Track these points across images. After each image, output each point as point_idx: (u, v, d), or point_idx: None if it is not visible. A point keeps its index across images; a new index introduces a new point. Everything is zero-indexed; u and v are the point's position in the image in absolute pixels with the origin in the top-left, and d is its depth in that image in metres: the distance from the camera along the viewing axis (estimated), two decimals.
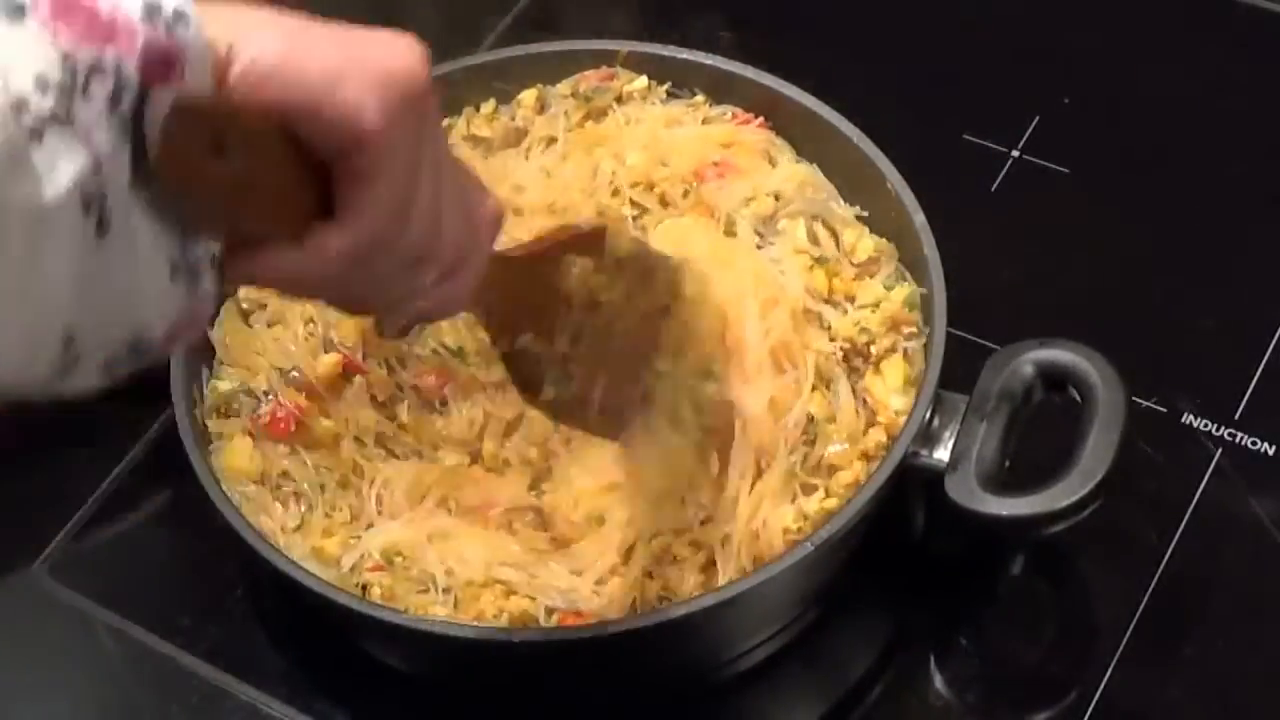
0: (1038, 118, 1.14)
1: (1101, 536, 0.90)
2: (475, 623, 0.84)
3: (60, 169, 0.51)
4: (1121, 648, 0.90)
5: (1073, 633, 0.93)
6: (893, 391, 0.90)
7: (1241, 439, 0.98)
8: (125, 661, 0.94)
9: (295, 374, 0.93)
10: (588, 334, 0.81)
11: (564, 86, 1.04)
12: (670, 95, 1.04)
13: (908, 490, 0.88)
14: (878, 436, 0.89)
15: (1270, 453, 0.98)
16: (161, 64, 0.53)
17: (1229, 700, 0.89)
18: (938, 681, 0.90)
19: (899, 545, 0.92)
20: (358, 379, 0.93)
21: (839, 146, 0.99)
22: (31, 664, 0.94)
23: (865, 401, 0.91)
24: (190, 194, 0.56)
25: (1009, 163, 1.12)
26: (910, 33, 1.21)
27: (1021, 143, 1.13)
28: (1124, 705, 0.88)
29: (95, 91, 0.52)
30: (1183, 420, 0.99)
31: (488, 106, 1.04)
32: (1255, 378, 1.01)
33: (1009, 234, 1.09)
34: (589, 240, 0.82)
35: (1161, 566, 0.93)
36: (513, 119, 1.04)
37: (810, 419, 0.89)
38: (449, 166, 0.65)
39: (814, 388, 0.90)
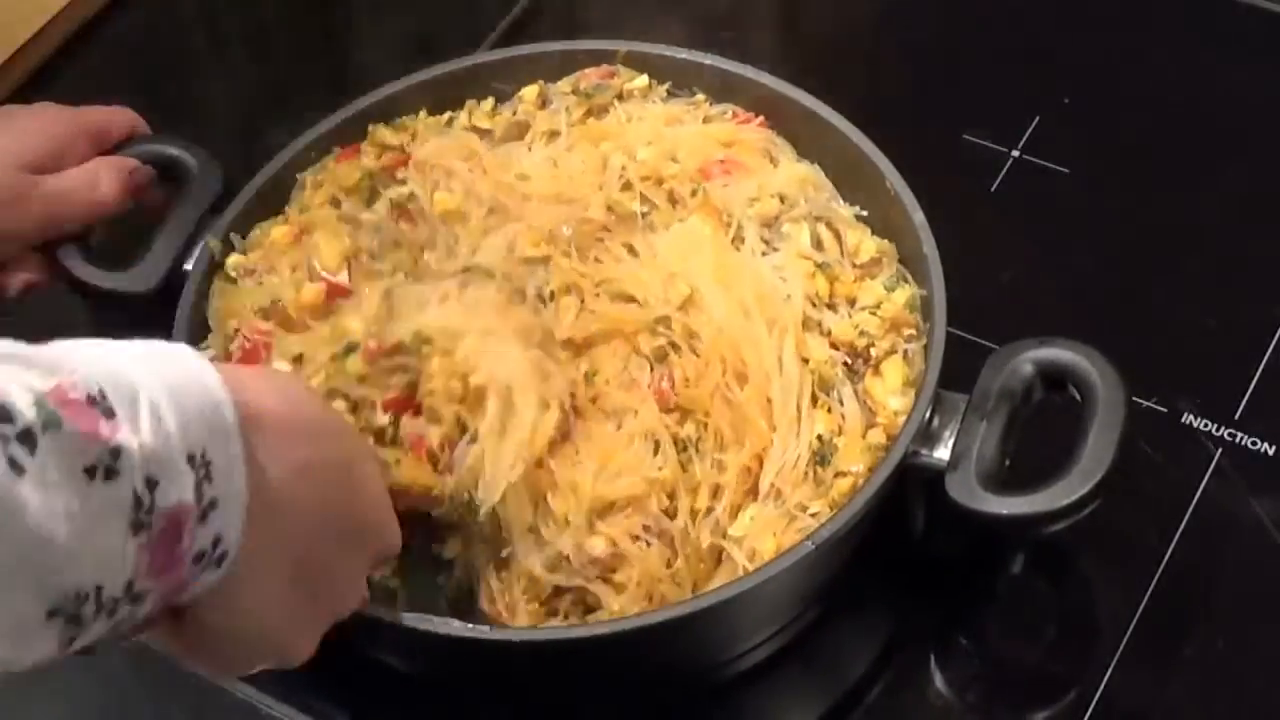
0: (1038, 118, 1.15)
1: (1101, 536, 0.90)
2: (474, 623, 0.84)
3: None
4: (1121, 647, 0.90)
5: (1073, 632, 0.93)
6: (891, 393, 0.90)
7: (1241, 439, 0.98)
8: (125, 661, 0.93)
9: (273, 306, 0.92)
10: None
11: (565, 84, 1.04)
12: (670, 95, 1.04)
13: (908, 489, 0.88)
14: (877, 437, 0.89)
15: (1270, 453, 0.98)
16: (172, 596, 0.62)
17: (1229, 700, 0.89)
18: (938, 681, 0.90)
19: (899, 544, 0.92)
20: (341, 302, 0.92)
21: (839, 146, 0.99)
22: None
23: (865, 403, 0.91)
24: None
25: (1009, 163, 1.12)
26: (910, 33, 1.21)
27: (1021, 143, 1.13)
28: (1124, 705, 0.88)
29: (120, 615, 0.59)
30: (1183, 420, 0.99)
31: (487, 105, 1.05)
32: (1255, 378, 1.01)
33: (1009, 234, 1.09)
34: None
35: (1161, 566, 0.93)
36: (514, 114, 1.04)
37: (820, 439, 0.89)
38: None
39: (820, 404, 0.90)
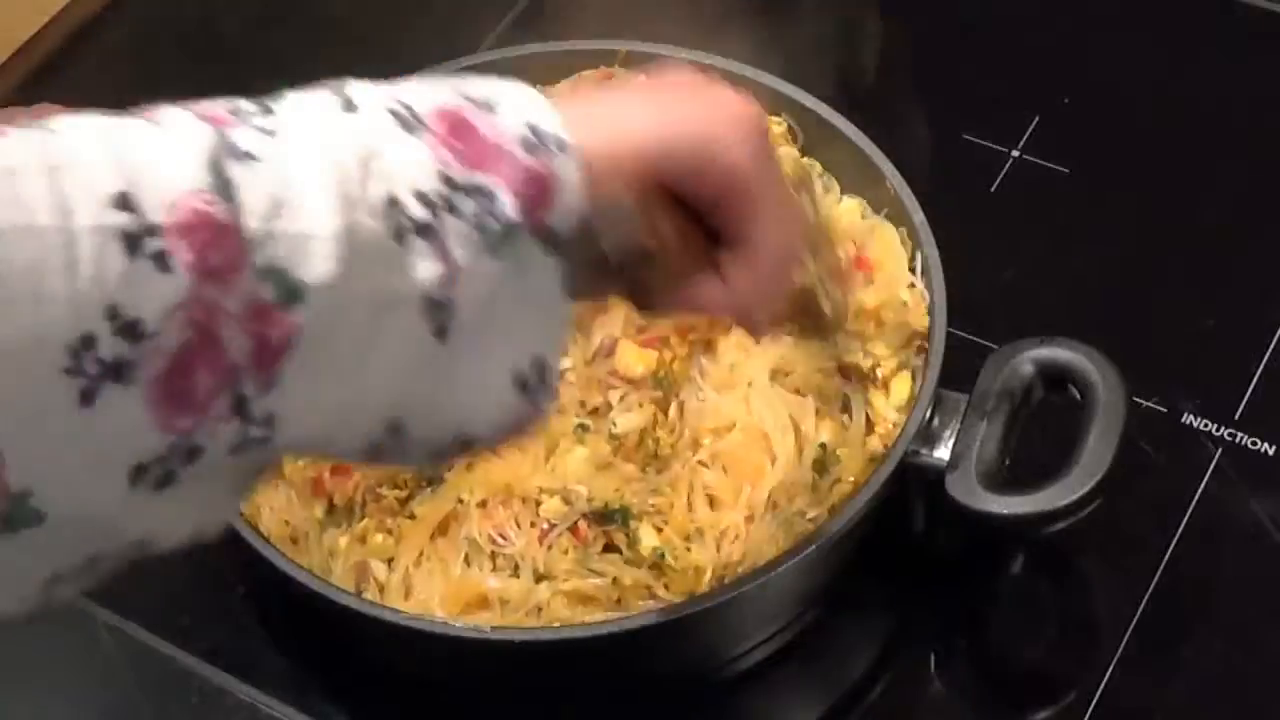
0: (1038, 118, 1.14)
1: (1102, 536, 0.90)
2: (474, 623, 0.84)
3: (411, 273, 0.55)
4: (1122, 647, 0.90)
5: (1073, 632, 0.93)
6: (894, 407, 0.90)
7: (1241, 439, 0.98)
8: (125, 661, 0.93)
9: None
10: None
11: (563, 87, 1.04)
12: None
13: (908, 489, 0.88)
14: (873, 444, 0.89)
15: (1270, 453, 0.98)
16: (539, 191, 0.58)
17: (1229, 700, 0.89)
18: (938, 681, 0.90)
19: (900, 544, 0.92)
20: None
21: (839, 145, 0.99)
22: (31, 664, 0.94)
23: (866, 415, 0.90)
24: (620, 276, 0.65)
25: (1009, 163, 1.12)
26: (910, 33, 1.21)
27: (1021, 143, 1.13)
28: (1124, 704, 0.88)
29: (464, 209, 0.56)
30: (1183, 420, 0.99)
31: None
32: (1255, 378, 1.01)
33: (1009, 234, 1.09)
34: None
35: (1161, 566, 0.93)
36: None
37: (823, 447, 0.88)
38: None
39: (826, 416, 0.90)
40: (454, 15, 1.15)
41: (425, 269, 0.55)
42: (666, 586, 0.85)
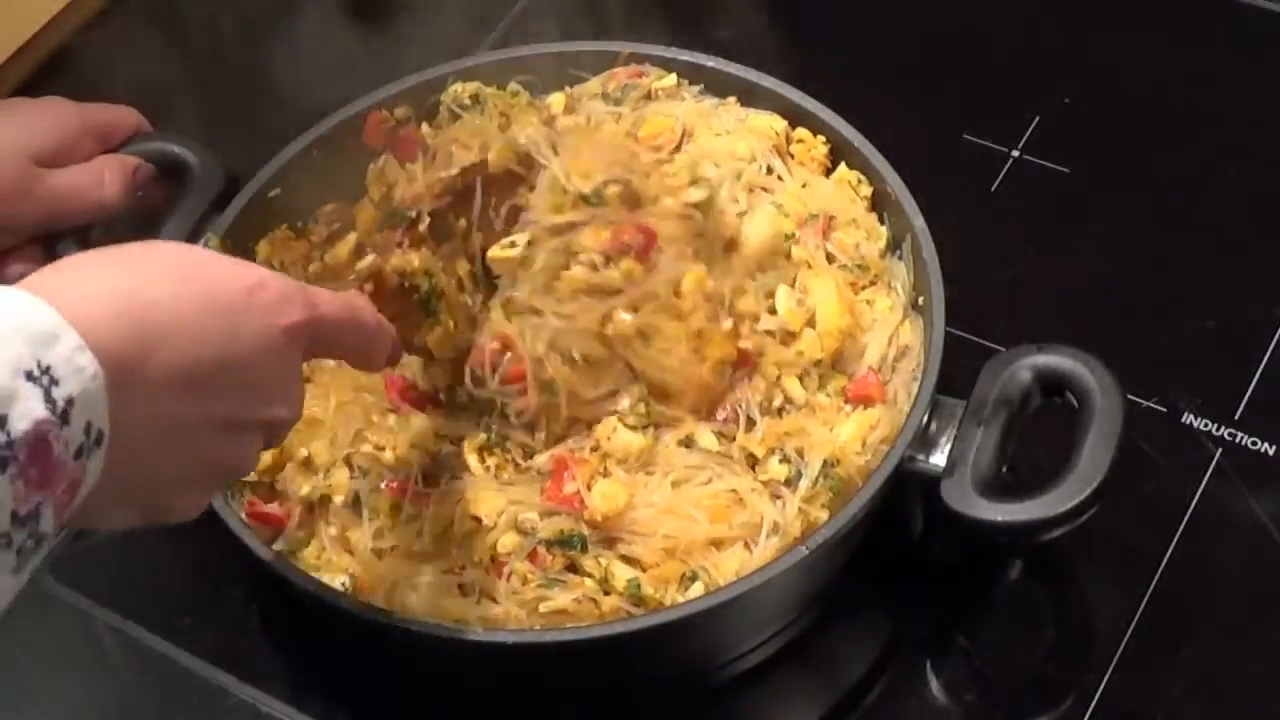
0: (1038, 118, 1.15)
1: (1101, 537, 0.90)
2: (473, 625, 0.84)
3: None
4: (1121, 649, 0.90)
5: (1072, 634, 0.93)
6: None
7: (1241, 439, 0.98)
8: (125, 661, 0.94)
9: None
10: None
11: (595, 84, 1.04)
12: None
13: (905, 494, 0.88)
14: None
15: (1270, 453, 0.98)
16: (69, 491, 0.61)
17: (1229, 701, 0.89)
18: (934, 685, 0.90)
19: (897, 549, 0.92)
20: None
21: (840, 149, 0.99)
22: (32, 664, 0.94)
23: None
24: None
25: (1009, 163, 1.12)
26: (911, 33, 1.21)
27: (1021, 143, 1.13)
28: (1123, 706, 0.88)
29: (16, 539, 0.59)
30: (1183, 420, 0.99)
31: (519, 93, 1.03)
32: (1255, 378, 1.01)
33: (1009, 234, 1.09)
34: None
35: (1161, 567, 0.93)
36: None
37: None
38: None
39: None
40: (454, 15, 1.15)
41: None
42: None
